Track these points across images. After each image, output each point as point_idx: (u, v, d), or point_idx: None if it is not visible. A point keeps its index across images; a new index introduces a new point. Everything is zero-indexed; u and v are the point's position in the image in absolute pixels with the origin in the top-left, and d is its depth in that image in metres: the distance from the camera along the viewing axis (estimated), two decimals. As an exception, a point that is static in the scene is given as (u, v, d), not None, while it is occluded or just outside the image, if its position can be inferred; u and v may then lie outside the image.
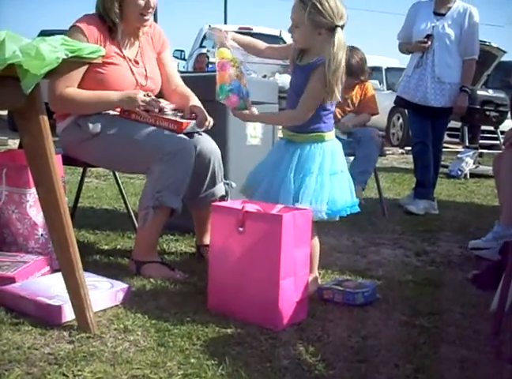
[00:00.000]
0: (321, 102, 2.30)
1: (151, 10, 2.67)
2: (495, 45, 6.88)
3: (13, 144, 7.56)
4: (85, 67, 2.54)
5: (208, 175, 2.71)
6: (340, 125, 3.99)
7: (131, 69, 2.70)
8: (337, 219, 2.39)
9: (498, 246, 2.88)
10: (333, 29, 2.23)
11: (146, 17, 2.68)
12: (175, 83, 2.86)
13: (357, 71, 4.05)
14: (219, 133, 2.83)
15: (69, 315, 1.96)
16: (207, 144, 2.71)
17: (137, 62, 2.74)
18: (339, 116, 4.06)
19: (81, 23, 2.60)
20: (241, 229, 2.09)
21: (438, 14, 4.30)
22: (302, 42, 2.32)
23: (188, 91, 2.82)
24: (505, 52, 7.15)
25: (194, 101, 2.72)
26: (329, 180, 2.30)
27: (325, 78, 2.23)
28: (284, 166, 2.33)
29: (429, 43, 4.21)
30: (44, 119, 1.78)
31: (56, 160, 1.84)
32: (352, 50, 4.08)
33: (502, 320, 2.00)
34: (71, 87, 2.57)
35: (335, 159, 2.35)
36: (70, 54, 1.63)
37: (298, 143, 2.35)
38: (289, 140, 2.39)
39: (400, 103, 4.57)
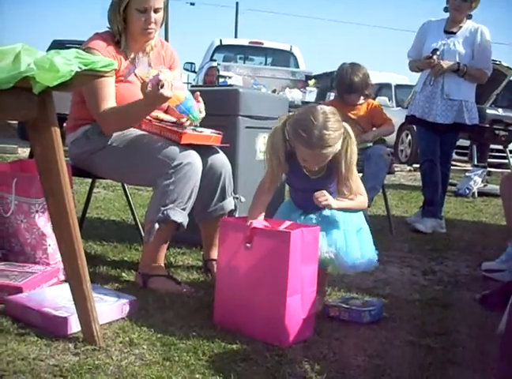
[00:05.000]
0: None
1: (153, 25, 2.67)
2: (505, 64, 6.88)
3: (23, 152, 7.62)
4: (113, 81, 2.56)
5: (219, 189, 2.72)
6: (360, 142, 3.98)
7: None
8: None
9: (510, 268, 2.88)
10: None
11: (149, 31, 2.68)
12: None
13: (361, 87, 4.03)
14: (228, 148, 2.83)
15: (75, 327, 1.96)
16: (218, 157, 2.72)
17: None
18: None
19: (94, 43, 2.62)
20: (248, 245, 2.08)
21: (449, 33, 4.31)
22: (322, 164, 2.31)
23: None
24: (515, 71, 7.16)
25: None
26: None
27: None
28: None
29: (434, 57, 4.20)
30: (56, 131, 1.79)
31: (66, 171, 1.84)
32: (354, 66, 4.08)
33: (509, 342, 1.98)
34: (113, 103, 2.57)
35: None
36: (84, 67, 1.64)
37: None
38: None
39: (411, 120, 4.57)
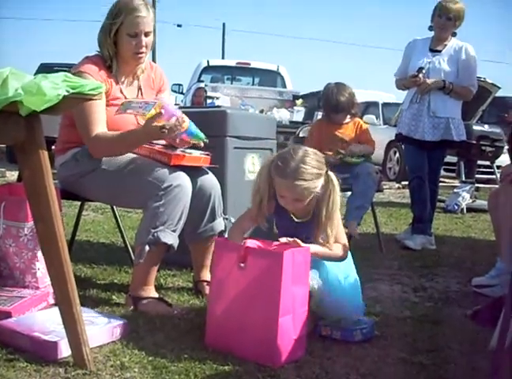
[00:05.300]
0: None
1: (144, 49, 2.68)
2: (489, 81, 6.96)
3: (11, 175, 7.58)
4: (104, 106, 2.56)
5: (208, 210, 2.72)
6: (348, 152, 4.02)
7: None
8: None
9: (501, 283, 2.88)
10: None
11: (140, 55, 2.70)
12: None
13: (348, 106, 4.10)
14: (217, 169, 2.84)
15: (65, 351, 1.94)
16: (208, 178, 2.72)
17: None
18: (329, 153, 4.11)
19: (86, 67, 2.62)
20: (242, 265, 2.08)
21: (435, 51, 4.36)
22: (304, 209, 2.32)
23: None
24: (499, 88, 7.25)
25: None
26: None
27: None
28: None
29: (420, 76, 4.24)
30: (44, 154, 1.79)
31: (55, 195, 1.84)
32: (339, 86, 4.14)
33: (501, 358, 1.98)
34: (104, 128, 2.57)
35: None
36: (72, 91, 1.64)
37: None
38: None
39: (399, 138, 4.60)
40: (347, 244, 2.36)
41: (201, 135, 2.61)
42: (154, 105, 2.43)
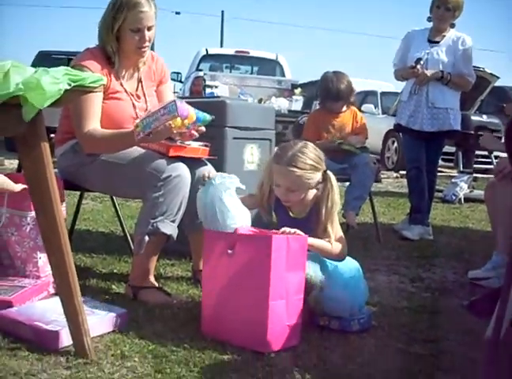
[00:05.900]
0: None
1: (147, 43, 2.69)
2: (488, 70, 6.97)
3: (10, 164, 7.58)
4: (101, 100, 2.58)
5: (207, 201, 2.72)
6: (350, 140, 4.06)
7: (133, 104, 2.73)
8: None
9: (497, 276, 2.90)
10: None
11: (143, 50, 2.70)
12: None
13: (347, 95, 4.14)
14: (216, 159, 2.85)
15: (66, 340, 1.96)
16: (206, 170, 2.71)
17: (138, 97, 2.78)
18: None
19: (84, 61, 2.62)
20: (230, 252, 2.11)
21: (433, 42, 4.36)
22: (299, 203, 2.37)
23: None
24: (498, 77, 7.25)
25: None
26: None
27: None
28: None
29: (418, 66, 4.25)
30: (45, 145, 1.80)
31: (56, 185, 1.85)
32: (338, 74, 4.18)
33: (496, 347, 1.99)
34: (97, 123, 2.57)
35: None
36: (73, 84, 1.65)
37: None
38: None
39: (398, 129, 4.62)
40: (345, 244, 2.37)
41: (208, 117, 2.61)
42: (175, 105, 2.40)
